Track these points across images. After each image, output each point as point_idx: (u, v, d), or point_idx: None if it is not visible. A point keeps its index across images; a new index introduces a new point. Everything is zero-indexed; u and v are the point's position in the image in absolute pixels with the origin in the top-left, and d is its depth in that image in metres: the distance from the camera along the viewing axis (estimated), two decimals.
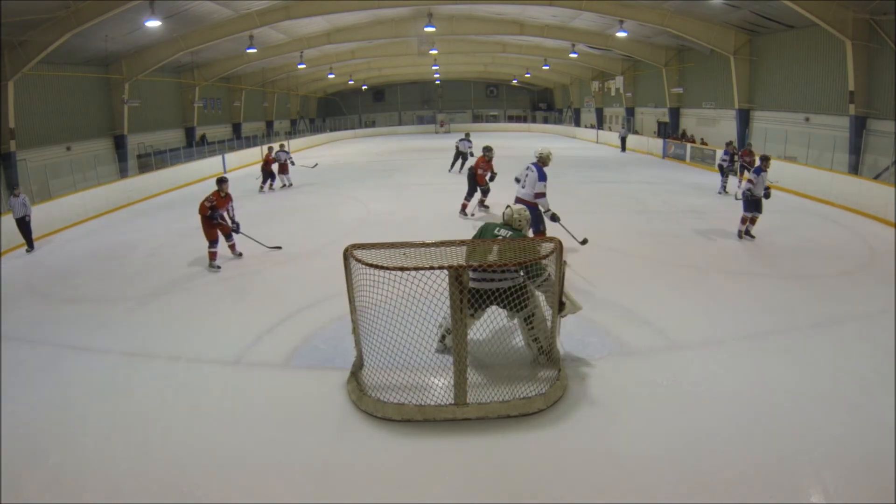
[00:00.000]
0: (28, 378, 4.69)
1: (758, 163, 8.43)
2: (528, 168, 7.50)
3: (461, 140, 16.44)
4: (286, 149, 15.06)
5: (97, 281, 7.43)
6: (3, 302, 6.60)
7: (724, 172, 12.96)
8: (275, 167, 14.59)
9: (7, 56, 12.52)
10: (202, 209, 7.40)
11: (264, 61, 23.50)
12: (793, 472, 3.28)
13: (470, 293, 4.03)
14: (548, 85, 39.00)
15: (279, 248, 8.35)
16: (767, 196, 8.17)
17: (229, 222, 7.65)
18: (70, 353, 5.14)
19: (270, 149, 15.26)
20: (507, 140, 28.38)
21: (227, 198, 7.62)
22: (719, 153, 14.24)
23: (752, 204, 8.23)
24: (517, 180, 7.75)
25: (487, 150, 10.81)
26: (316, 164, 18.26)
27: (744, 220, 8.39)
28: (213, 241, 7.51)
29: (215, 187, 7.58)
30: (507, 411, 3.84)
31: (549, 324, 4.36)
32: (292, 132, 32.20)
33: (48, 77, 14.88)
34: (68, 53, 14.49)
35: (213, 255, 7.53)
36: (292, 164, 14.88)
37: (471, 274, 4.16)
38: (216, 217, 7.39)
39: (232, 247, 7.92)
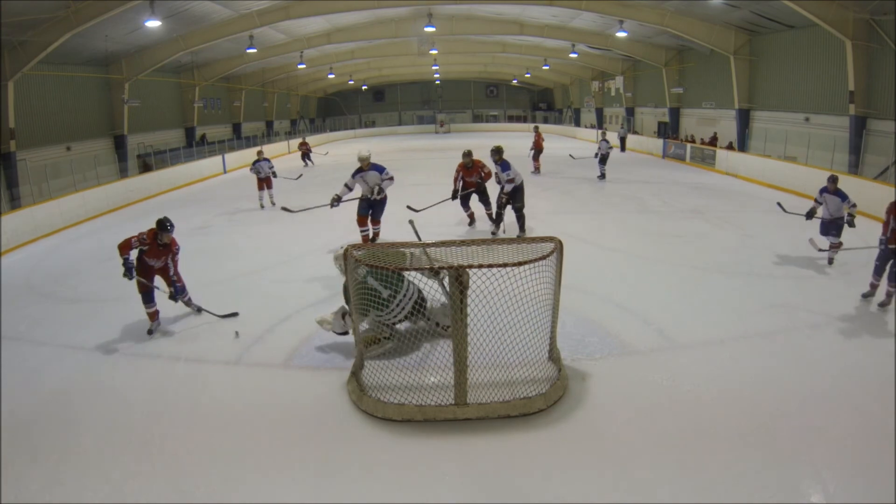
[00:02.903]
0: (28, 378, 4.69)
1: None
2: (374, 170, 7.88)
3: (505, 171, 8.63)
4: (266, 156, 12.28)
5: (97, 281, 7.43)
6: (3, 302, 6.60)
7: (603, 160, 14.64)
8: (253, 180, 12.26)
9: (7, 56, 12.52)
10: (124, 246, 5.22)
11: (264, 61, 23.50)
12: (793, 471, 3.28)
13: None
14: (548, 85, 39.01)
15: (235, 314, 5.86)
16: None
17: (163, 285, 5.57)
18: (70, 353, 5.14)
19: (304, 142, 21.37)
20: (507, 140, 28.33)
21: (167, 249, 5.42)
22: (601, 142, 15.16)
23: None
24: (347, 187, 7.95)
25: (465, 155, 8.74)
26: (300, 176, 14.64)
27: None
28: (146, 295, 5.42)
29: (154, 226, 5.37)
30: (507, 411, 3.83)
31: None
32: (292, 132, 32.21)
33: (48, 77, 14.88)
34: (68, 53, 14.49)
35: (152, 315, 5.49)
36: (274, 176, 12.13)
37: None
38: (129, 267, 5.21)
39: (188, 303, 5.91)
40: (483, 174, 8.76)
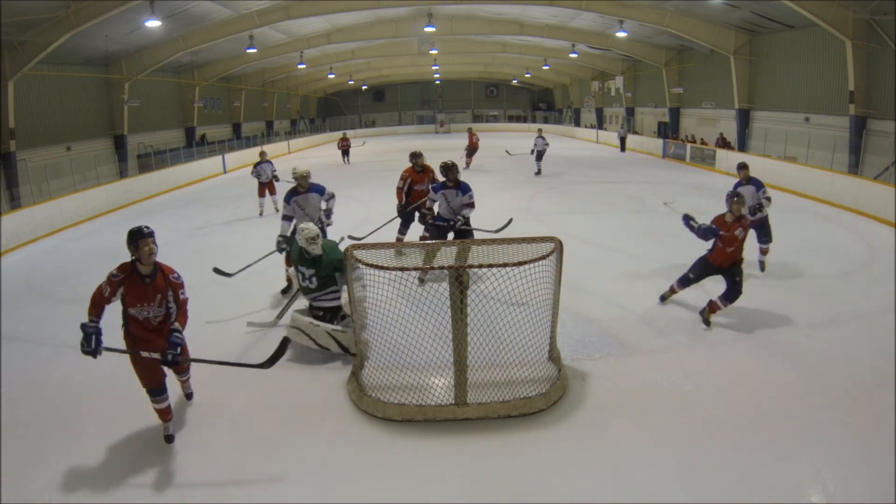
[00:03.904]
0: (28, 378, 4.69)
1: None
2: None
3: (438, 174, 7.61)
4: (268, 158, 11.46)
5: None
6: (3, 302, 6.60)
7: (539, 157, 15.62)
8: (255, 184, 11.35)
9: (7, 56, 12.52)
10: (95, 303, 3.53)
11: (264, 61, 23.49)
12: (793, 472, 3.28)
13: None
14: (548, 85, 39.00)
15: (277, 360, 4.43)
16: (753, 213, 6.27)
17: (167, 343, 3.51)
18: (70, 353, 5.12)
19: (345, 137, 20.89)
20: (507, 140, 28.37)
21: (158, 284, 3.51)
22: (538, 140, 15.83)
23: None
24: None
25: (414, 156, 7.47)
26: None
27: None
28: (154, 390, 3.62)
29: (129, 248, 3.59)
30: (507, 411, 3.84)
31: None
32: (292, 132, 32.22)
33: (48, 77, 14.88)
34: (68, 53, 14.49)
35: (164, 413, 3.69)
36: (277, 180, 11.17)
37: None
38: (90, 333, 3.40)
39: (184, 382, 4.10)
40: (434, 181, 7.18)
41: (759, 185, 6.46)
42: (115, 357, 5.01)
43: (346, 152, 20.76)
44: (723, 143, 18.97)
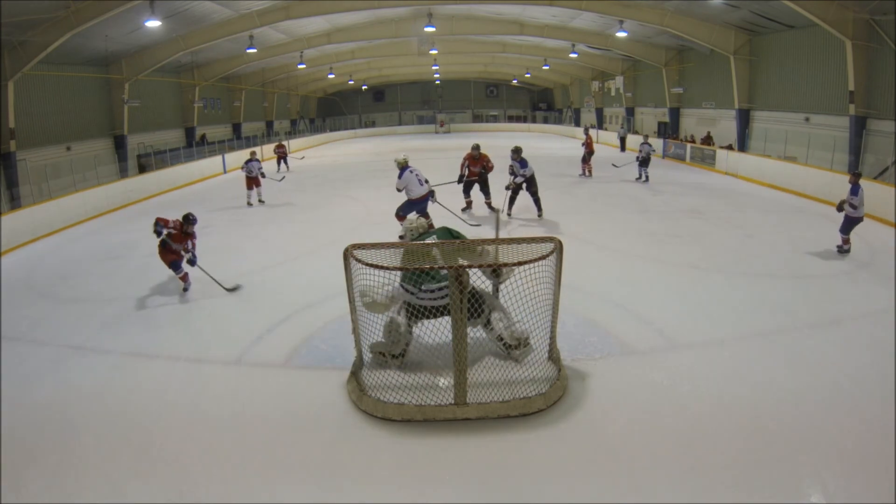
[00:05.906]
0: (28, 378, 4.69)
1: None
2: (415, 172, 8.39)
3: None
4: (257, 157, 13.08)
5: (98, 281, 7.43)
6: (3, 302, 6.60)
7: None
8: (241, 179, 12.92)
9: (7, 56, 12.52)
10: (163, 222, 6.60)
11: (264, 61, 23.49)
12: (793, 472, 3.28)
13: (425, 311, 4.15)
14: (548, 85, 39.01)
15: (238, 287, 6.79)
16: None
17: (183, 253, 6.69)
18: (70, 353, 5.14)
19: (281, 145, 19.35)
20: (507, 140, 28.34)
21: (191, 236, 6.69)
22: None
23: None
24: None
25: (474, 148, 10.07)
26: (283, 178, 15.70)
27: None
28: (175, 264, 6.64)
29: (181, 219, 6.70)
30: (507, 411, 3.84)
31: (509, 319, 4.41)
32: (292, 132, 32.23)
33: (48, 77, 14.88)
34: (68, 53, 14.49)
35: (184, 277, 6.72)
36: (263, 176, 12.81)
37: (426, 294, 4.23)
38: (163, 236, 6.56)
39: (183, 277, 6.77)
40: (486, 166, 9.97)
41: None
42: (115, 358, 5.06)
43: (283, 159, 18.86)
44: (706, 140, 19.08)
